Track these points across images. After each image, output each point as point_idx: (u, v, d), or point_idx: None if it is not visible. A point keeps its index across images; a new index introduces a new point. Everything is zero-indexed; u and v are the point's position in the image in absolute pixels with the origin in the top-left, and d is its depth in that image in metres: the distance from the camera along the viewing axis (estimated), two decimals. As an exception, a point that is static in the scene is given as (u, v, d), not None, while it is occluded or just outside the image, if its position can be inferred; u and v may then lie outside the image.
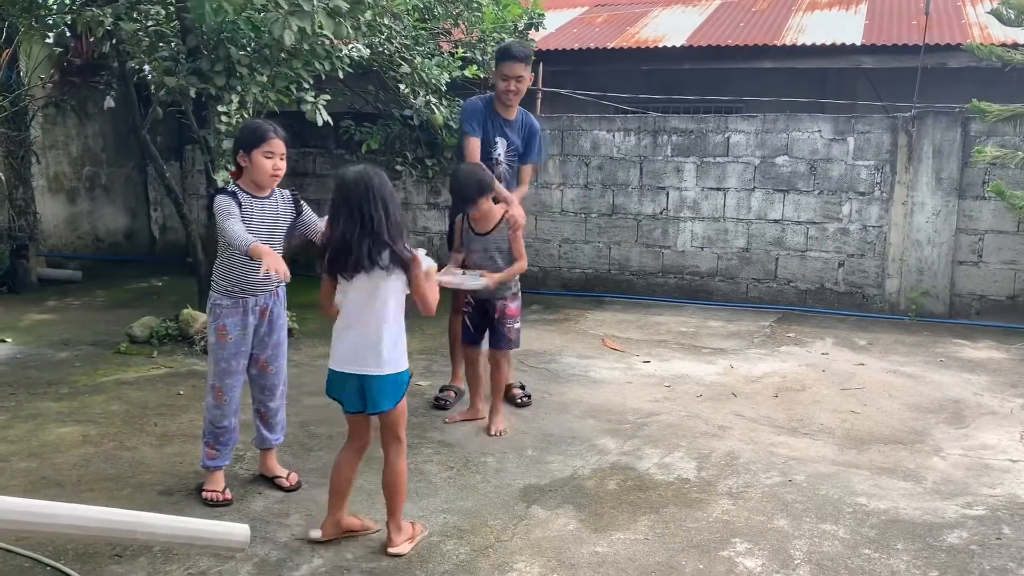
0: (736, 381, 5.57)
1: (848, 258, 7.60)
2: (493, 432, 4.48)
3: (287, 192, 3.70)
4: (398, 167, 8.34)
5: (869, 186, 7.45)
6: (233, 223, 3.38)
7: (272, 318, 3.67)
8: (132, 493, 3.72)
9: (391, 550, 3.21)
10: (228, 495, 3.64)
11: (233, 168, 3.63)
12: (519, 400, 4.96)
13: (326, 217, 3.27)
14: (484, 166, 4.58)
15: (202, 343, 5.87)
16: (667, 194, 8.03)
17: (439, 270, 3.78)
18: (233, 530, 1.84)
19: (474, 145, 4.82)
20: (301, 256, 9.29)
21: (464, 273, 4.39)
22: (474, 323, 4.65)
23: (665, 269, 8.14)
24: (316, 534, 3.29)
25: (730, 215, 7.87)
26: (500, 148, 4.92)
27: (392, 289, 3.14)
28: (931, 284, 7.34)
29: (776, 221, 7.76)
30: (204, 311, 6.09)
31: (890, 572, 3.18)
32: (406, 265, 3.11)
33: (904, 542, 3.40)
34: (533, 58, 4.92)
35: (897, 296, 7.46)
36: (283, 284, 3.64)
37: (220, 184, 5.71)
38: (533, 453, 4.27)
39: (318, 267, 3.19)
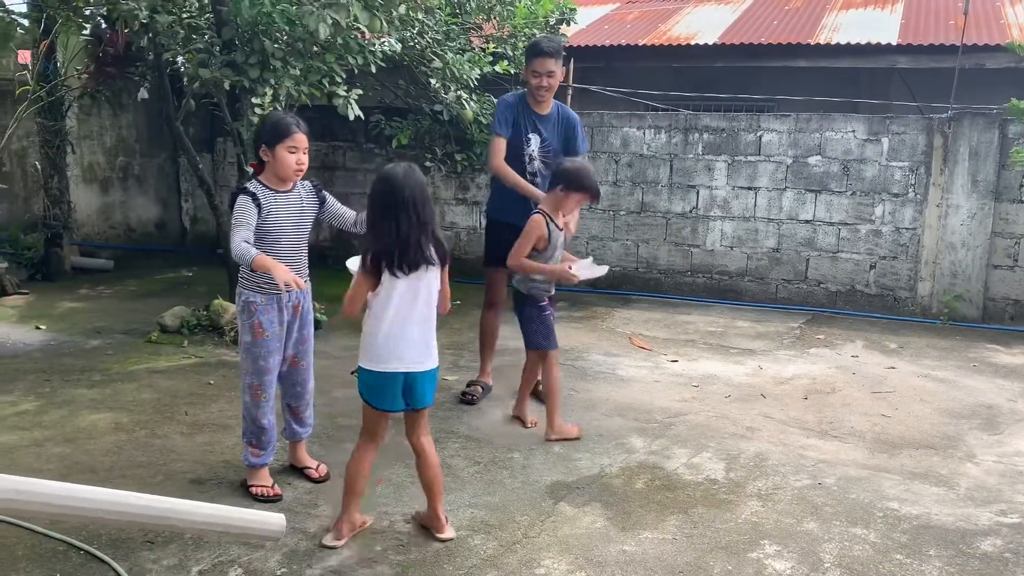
0: (765, 382, 5.52)
1: (880, 260, 7.51)
2: (555, 436, 4.39)
3: (308, 183, 3.67)
4: (427, 163, 8.35)
5: (903, 187, 7.36)
6: (240, 234, 3.34)
7: (303, 313, 3.69)
8: (163, 481, 3.76)
9: (443, 535, 3.29)
10: (277, 490, 3.62)
11: (253, 162, 3.62)
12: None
13: (359, 213, 3.29)
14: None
15: (232, 333, 5.92)
16: (697, 193, 7.98)
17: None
18: (269, 519, 1.85)
19: (499, 145, 4.78)
20: (331, 251, 9.34)
21: (588, 262, 4.51)
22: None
23: (694, 268, 8.09)
24: (337, 543, 3.21)
25: (761, 215, 7.81)
26: (534, 144, 4.85)
27: (435, 285, 3.20)
28: (964, 288, 7.23)
29: (807, 222, 7.68)
30: (234, 302, 6.18)
31: (922, 578, 3.14)
32: (445, 260, 3.20)
33: (936, 548, 3.36)
34: (564, 52, 4.84)
35: (929, 299, 7.37)
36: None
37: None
38: (560, 450, 4.26)
39: (362, 265, 3.12)
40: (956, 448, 4.45)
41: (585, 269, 4.39)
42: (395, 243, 3.06)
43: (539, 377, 4.70)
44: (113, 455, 4.03)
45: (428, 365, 3.21)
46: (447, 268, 3.23)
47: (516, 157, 4.79)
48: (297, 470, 3.86)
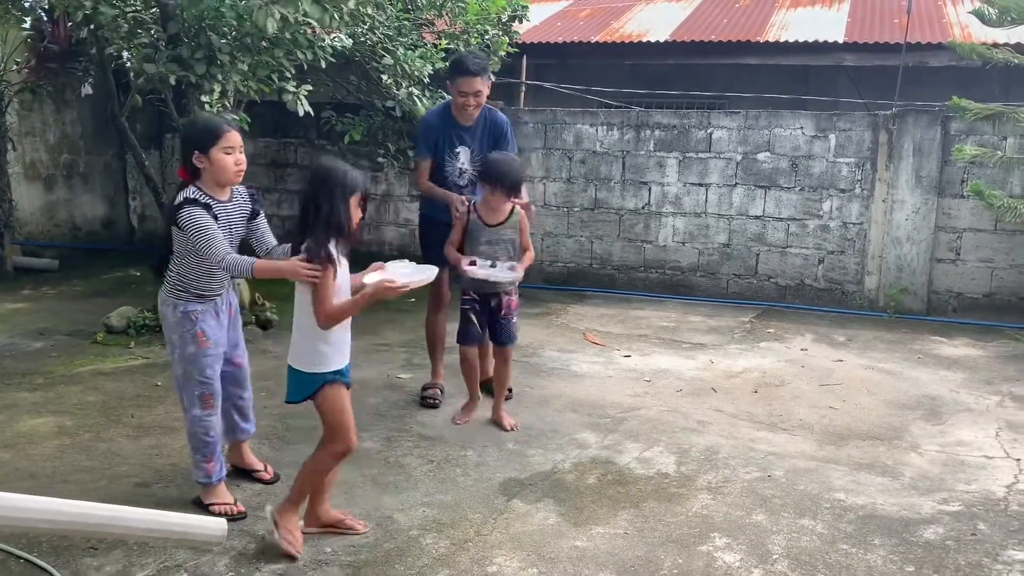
0: (716, 376, 5.59)
1: (828, 255, 7.64)
2: (510, 427, 4.43)
3: (243, 189, 3.49)
4: (380, 159, 8.29)
5: (850, 183, 7.50)
6: (219, 245, 3.19)
7: (234, 312, 3.60)
8: (108, 485, 3.68)
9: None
10: (241, 507, 3.49)
11: (180, 168, 3.38)
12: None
13: (281, 246, 3.28)
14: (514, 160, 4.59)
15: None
16: (649, 189, 8.04)
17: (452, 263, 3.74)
18: (210, 523, 1.82)
19: (423, 167, 4.78)
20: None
21: (493, 265, 4.30)
22: (480, 320, 4.54)
23: (647, 264, 8.15)
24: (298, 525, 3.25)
25: (712, 211, 7.89)
26: (463, 157, 4.80)
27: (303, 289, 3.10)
28: (910, 281, 7.39)
29: (757, 217, 7.78)
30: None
31: (867, 567, 3.20)
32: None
33: (881, 537, 3.43)
34: (491, 67, 4.78)
35: (876, 293, 7.52)
36: None
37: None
38: (514, 447, 4.26)
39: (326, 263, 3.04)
40: (901, 439, 4.55)
41: (485, 270, 4.27)
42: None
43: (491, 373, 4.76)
44: (55, 460, 3.93)
45: (291, 362, 3.21)
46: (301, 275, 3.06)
47: (439, 176, 4.75)
48: (242, 472, 3.77)
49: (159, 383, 5.06)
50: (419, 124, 4.98)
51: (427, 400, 4.89)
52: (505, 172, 4.26)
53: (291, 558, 3.09)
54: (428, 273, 3.28)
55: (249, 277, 3.24)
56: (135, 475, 3.80)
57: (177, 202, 3.26)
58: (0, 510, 1.56)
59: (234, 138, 3.30)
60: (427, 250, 4.96)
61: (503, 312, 4.52)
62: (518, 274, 4.33)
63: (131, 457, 3.99)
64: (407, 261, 3.41)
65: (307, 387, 3.13)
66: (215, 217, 3.26)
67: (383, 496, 3.65)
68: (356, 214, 3.09)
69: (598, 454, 4.20)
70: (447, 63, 7.36)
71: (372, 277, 3.16)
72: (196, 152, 3.27)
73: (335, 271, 3.02)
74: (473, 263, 4.27)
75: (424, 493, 3.71)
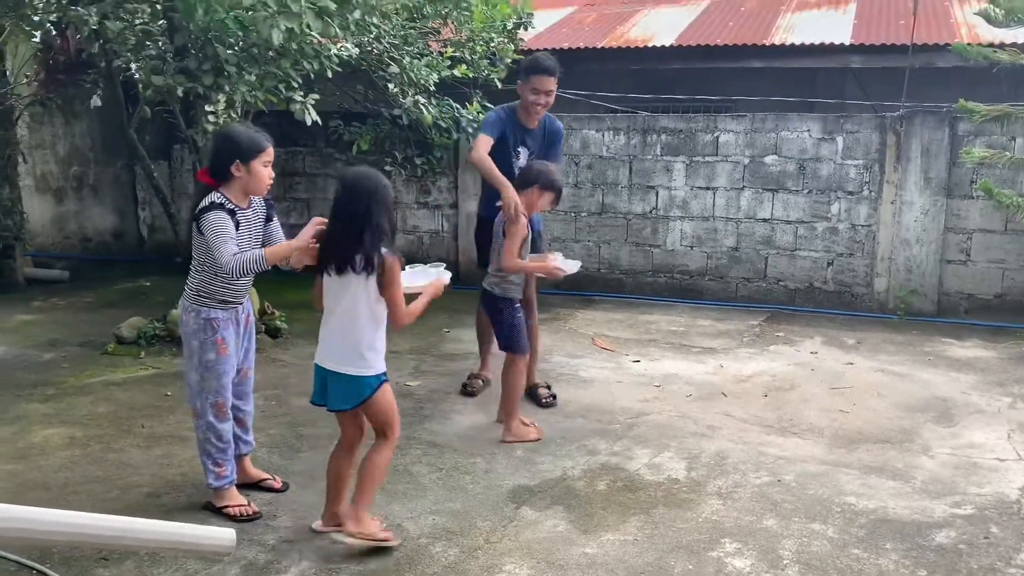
0: (726, 380, 5.57)
1: (837, 257, 7.62)
2: (511, 439, 4.39)
3: (259, 198, 3.54)
4: (387, 167, 8.31)
5: (858, 185, 7.47)
6: (229, 247, 3.23)
7: (251, 322, 3.64)
8: (119, 495, 3.70)
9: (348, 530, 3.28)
10: (255, 507, 3.53)
11: (201, 172, 3.45)
12: (544, 400, 4.96)
13: (305, 228, 3.27)
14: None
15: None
16: (656, 193, 8.04)
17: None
18: (219, 534, 1.83)
19: (484, 140, 4.78)
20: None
21: (562, 258, 4.52)
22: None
23: (655, 268, 8.14)
24: (316, 524, 3.38)
25: (719, 214, 7.88)
26: (523, 157, 4.92)
27: (360, 293, 3.16)
28: (919, 283, 7.36)
29: (765, 220, 7.77)
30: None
31: (879, 572, 3.18)
32: (376, 269, 3.13)
33: (893, 542, 3.41)
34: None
35: (886, 295, 7.49)
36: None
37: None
38: (523, 454, 4.26)
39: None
40: (912, 442, 4.53)
41: (564, 264, 4.48)
42: (327, 241, 3.18)
43: (535, 381, 4.97)
44: (67, 471, 3.95)
45: (340, 369, 3.20)
46: (389, 277, 3.15)
47: (504, 169, 4.74)
48: (247, 486, 3.73)
49: (169, 393, 5.08)
50: (487, 114, 5.08)
51: (465, 387, 5.12)
52: (558, 182, 4.42)
53: (388, 549, 3.24)
54: (441, 272, 3.55)
55: (264, 268, 3.28)
56: (146, 485, 3.82)
57: (202, 206, 3.31)
58: (13, 522, 1.57)
59: (272, 153, 3.43)
60: (484, 253, 5.00)
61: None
62: (579, 263, 4.61)
63: (142, 467, 4.01)
64: (418, 265, 3.62)
65: (363, 391, 3.21)
66: (237, 224, 3.32)
67: (392, 504, 3.65)
68: None
69: (608, 460, 4.20)
70: (452, 71, 7.39)
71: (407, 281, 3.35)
72: (237, 161, 3.34)
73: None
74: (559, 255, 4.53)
75: (433, 501, 3.71)
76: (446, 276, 3.54)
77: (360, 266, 3.09)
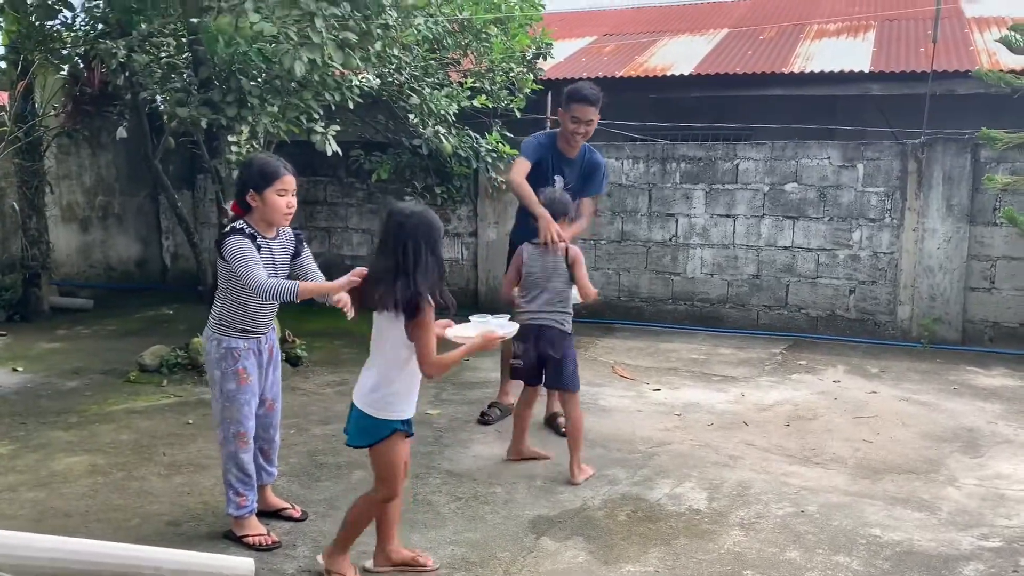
0: (747, 409, 5.52)
1: (859, 285, 7.56)
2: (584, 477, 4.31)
3: (290, 231, 3.58)
4: (407, 196, 8.37)
5: (879, 212, 7.43)
6: (258, 270, 3.25)
7: (275, 353, 3.65)
8: (139, 524, 3.71)
9: None
10: (275, 536, 3.51)
11: (233, 203, 3.48)
12: (564, 429, 4.93)
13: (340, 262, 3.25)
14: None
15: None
16: (676, 221, 8.03)
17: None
18: (238, 564, 1.83)
19: (522, 164, 4.79)
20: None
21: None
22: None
23: (675, 296, 8.11)
24: (368, 564, 3.30)
25: (740, 242, 7.86)
26: (557, 185, 4.88)
27: (392, 334, 3.06)
28: (943, 311, 7.29)
29: (786, 248, 7.74)
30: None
31: (905, 606, 3.12)
32: (409, 312, 2.99)
33: (919, 574, 3.35)
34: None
35: (909, 323, 7.41)
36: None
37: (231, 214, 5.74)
38: (543, 483, 4.23)
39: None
40: (938, 472, 4.46)
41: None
42: (370, 278, 3.09)
43: (556, 410, 4.93)
44: (88, 499, 3.97)
45: (361, 405, 3.11)
46: (418, 321, 3.00)
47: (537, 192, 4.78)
48: (267, 515, 3.72)
49: (191, 421, 5.11)
50: (526, 140, 5.04)
51: (484, 416, 5.12)
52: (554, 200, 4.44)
53: None
54: (511, 328, 3.41)
55: (294, 300, 3.28)
56: (166, 513, 3.82)
57: (223, 232, 3.36)
58: (33, 551, 1.58)
59: (289, 181, 3.39)
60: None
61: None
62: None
63: (163, 495, 4.02)
64: (486, 316, 3.42)
65: (375, 433, 3.10)
66: (259, 249, 3.33)
67: (411, 534, 3.63)
68: None
69: (628, 490, 4.16)
70: (472, 101, 7.46)
71: (458, 331, 3.23)
72: (251, 191, 3.35)
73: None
74: None
75: (453, 531, 3.69)
76: (509, 328, 3.36)
77: (393, 305, 2.98)
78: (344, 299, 3.24)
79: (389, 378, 3.08)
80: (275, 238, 3.47)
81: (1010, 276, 7.15)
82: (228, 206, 5.66)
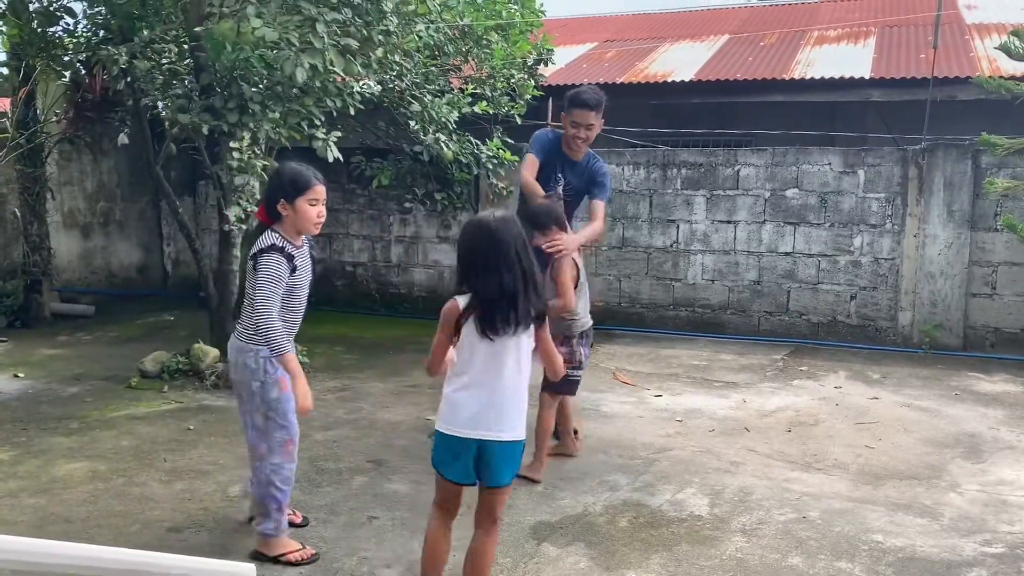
0: (749, 415, 5.51)
1: (860, 291, 7.56)
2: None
3: (307, 239, 3.56)
4: (407, 203, 8.39)
5: (880, 218, 7.44)
6: (274, 306, 3.24)
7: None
8: (140, 530, 3.70)
9: None
10: (312, 550, 3.47)
11: (260, 210, 3.47)
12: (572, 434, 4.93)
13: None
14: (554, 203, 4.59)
15: (212, 377, 5.89)
16: (677, 227, 8.04)
17: None
18: (239, 570, 1.82)
19: (532, 161, 4.79)
20: (315, 291, 9.27)
21: None
22: None
23: (676, 302, 8.11)
24: None
25: (741, 248, 7.86)
26: (560, 184, 4.89)
27: (526, 347, 2.88)
28: (944, 317, 7.28)
29: (787, 254, 7.74)
30: (214, 345, 6.14)
31: (908, 612, 3.11)
32: (542, 320, 2.89)
33: (922, 581, 3.34)
34: (604, 104, 4.83)
35: (910, 329, 7.41)
36: None
37: (233, 220, 5.73)
38: (543, 489, 4.22)
39: (458, 320, 2.87)
40: (940, 478, 4.45)
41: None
42: (499, 297, 2.78)
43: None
44: (89, 504, 3.96)
45: (507, 435, 2.85)
46: (544, 325, 2.91)
47: (543, 186, 4.79)
48: None
49: (192, 427, 5.10)
50: (535, 134, 5.03)
51: None
52: (533, 214, 4.36)
53: None
54: None
55: (275, 356, 3.26)
56: (167, 520, 3.82)
57: (261, 247, 3.30)
58: (32, 556, 1.58)
59: (320, 191, 3.38)
60: None
61: None
62: None
63: (163, 502, 4.02)
64: None
65: (519, 457, 2.95)
66: (295, 268, 3.32)
67: (412, 540, 3.62)
68: None
69: (629, 496, 4.15)
70: (473, 107, 7.47)
71: None
72: (282, 200, 3.34)
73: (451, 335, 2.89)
74: None
75: (454, 537, 3.66)
76: None
77: (529, 319, 2.81)
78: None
79: (523, 395, 2.91)
80: (302, 247, 3.46)
81: (1011, 282, 7.15)
82: (230, 212, 5.67)
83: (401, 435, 5.00)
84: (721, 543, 3.65)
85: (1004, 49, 6.61)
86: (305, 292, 3.48)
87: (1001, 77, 7.16)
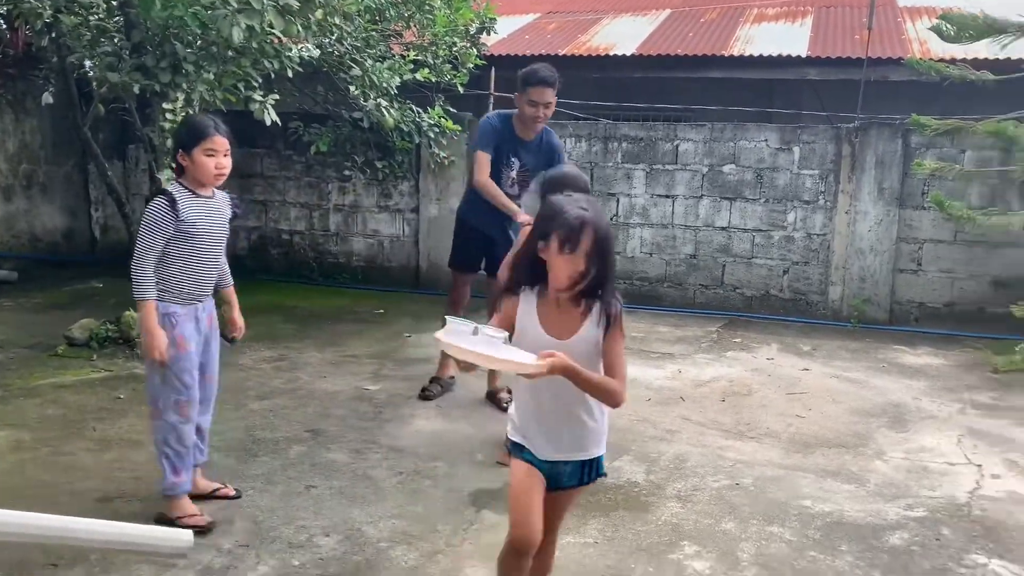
0: (684, 385, 5.62)
1: (793, 265, 7.73)
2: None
3: (226, 196, 3.53)
4: (347, 170, 8.25)
5: (813, 195, 7.60)
6: (148, 259, 3.24)
7: (214, 324, 3.55)
8: (68, 500, 3.60)
9: None
10: (208, 518, 3.40)
11: (174, 166, 3.43)
12: (504, 405, 4.93)
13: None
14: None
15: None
16: (617, 200, 8.09)
17: None
18: (176, 535, 1.78)
19: (483, 160, 4.72)
20: (249, 259, 9.13)
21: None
22: None
23: (615, 274, 8.16)
24: None
25: (678, 222, 7.95)
26: (514, 168, 4.83)
27: (590, 350, 2.51)
28: (873, 292, 7.50)
29: (723, 228, 7.86)
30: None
31: (834, 573, 3.23)
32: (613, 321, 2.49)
33: (848, 543, 3.46)
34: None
35: (840, 303, 7.62)
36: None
37: (165, 184, 5.57)
38: (483, 458, 4.24)
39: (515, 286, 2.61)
40: (866, 446, 4.61)
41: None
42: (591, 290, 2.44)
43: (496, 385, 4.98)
44: (14, 475, 3.84)
45: (597, 451, 2.64)
46: (618, 327, 2.51)
47: (495, 179, 4.74)
48: (199, 498, 3.56)
49: (122, 396, 4.97)
50: (481, 124, 4.99)
51: (425, 392, 5.11)
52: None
53: None
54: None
55: (136, 299, 3.27)
56: (96, 489, 3.72)
57: (154, 193, 3.28)
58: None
59: (219, 142, 3.31)
60: (459, 255, 5.10)
61: None
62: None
63: (92, 471, 3.91)
64: (464, 321, 2.56)
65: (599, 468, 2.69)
66: (179, 214, 3.25)
67: (351, 509, 3.61)
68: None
69: (568, 464, 4.19)
70: (415, 74, 7.36)
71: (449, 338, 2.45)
72: (180, 151, 3.32)
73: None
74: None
75: (394, 505, 3.67)
76: (522, 358, 2.39)
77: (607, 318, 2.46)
78: (162, 353, 3.26)
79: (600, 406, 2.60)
80: (212, 196, 3.41)
81: (936, 259, 7.39)
82: (162, 175, 5.50)
83: (339, 405, 4.95)
84: (657, 509, 3.72)
85: (936, 31, 6.77)
86: (210, 245, 3.40)
87: (931, 59, 7.35)
